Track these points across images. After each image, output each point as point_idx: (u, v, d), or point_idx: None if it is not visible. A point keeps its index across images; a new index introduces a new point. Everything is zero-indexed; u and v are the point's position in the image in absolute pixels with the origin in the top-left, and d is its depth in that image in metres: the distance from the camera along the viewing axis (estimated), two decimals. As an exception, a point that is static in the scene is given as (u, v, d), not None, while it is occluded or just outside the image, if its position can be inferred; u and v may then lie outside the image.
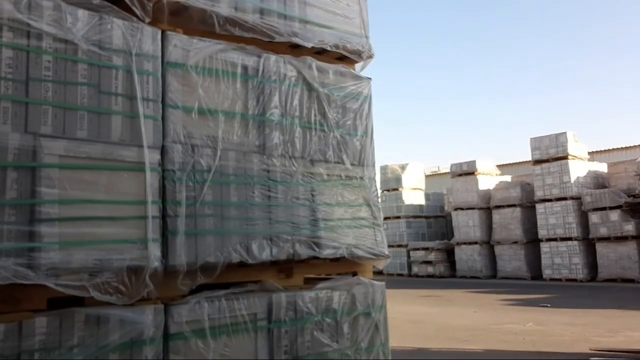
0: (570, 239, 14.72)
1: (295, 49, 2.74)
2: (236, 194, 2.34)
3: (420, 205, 19.46)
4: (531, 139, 15.66)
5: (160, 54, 2.20)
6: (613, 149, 21.60)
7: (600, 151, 21.48)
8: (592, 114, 45.74)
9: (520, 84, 51.06)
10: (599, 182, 15.69)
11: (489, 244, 16.86)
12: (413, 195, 19.41)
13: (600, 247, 14.31)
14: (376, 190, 2.95)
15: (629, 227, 13.75)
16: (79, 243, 1.87)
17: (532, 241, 15.70)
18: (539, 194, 15.49)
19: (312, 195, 2.61)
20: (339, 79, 2.84)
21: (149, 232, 2.02)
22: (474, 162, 17.58)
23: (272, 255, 2.39)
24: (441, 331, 7.46)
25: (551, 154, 15.15)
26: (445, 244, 17.90)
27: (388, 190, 19.46)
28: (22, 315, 1.75)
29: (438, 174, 27.32)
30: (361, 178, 2.85)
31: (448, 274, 17.50)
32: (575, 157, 15.25)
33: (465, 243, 17.26)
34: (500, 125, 52.68)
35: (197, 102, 2.28)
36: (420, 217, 19.31)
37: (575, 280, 14.39)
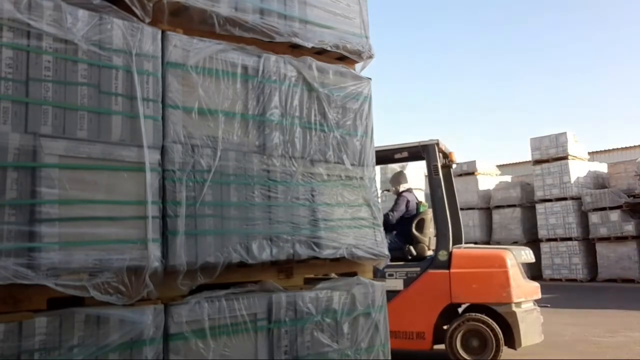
0: (570, 239, 14.71)
1: (295, 49, 2.74)
2: (236, 194, 2.33)
3: (420, 205, 19.40)
4: (531, 139, 15.63)
5: (160, 54, 2.20)
6: (613, 149, 21.56)
7: (600, 151, 21.46)
8: (592, 114, 45.75)
9: (520, 84, 51.07)
10: (599, 182, 15.69)
11: (489, 244, 16.84)
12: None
13: (600, 248, 14.31)
14: (376, 190, 2.95)
15: (629, 227, 13.75)
16: (79, 243, 1.87)
17: (532, 241, 15.65)
18: (539, 194, 15.49)
19: (312, 195, 2.61)
20: (339, 79, 2.84)
21: (149, 232, 2.02)
22: (473, 162, 17.56)
23: (272, 256, 2.39)
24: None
25: (551, 154, 15.14)
26: (445, 244, 17.86)
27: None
28: (22, 315, 1.75)
29: (438, 174, 27.21)
30: (361, 178, 2.85)
31: (448, 274, 17.45)
32: (575, 157, 15.26)
33: (465, 243, 17.22)
34: (500, 125, 52.69)
35: (197, 102, 2.28)
36: (420, 217, 19.25)
37: (575, 280, 14.38)
